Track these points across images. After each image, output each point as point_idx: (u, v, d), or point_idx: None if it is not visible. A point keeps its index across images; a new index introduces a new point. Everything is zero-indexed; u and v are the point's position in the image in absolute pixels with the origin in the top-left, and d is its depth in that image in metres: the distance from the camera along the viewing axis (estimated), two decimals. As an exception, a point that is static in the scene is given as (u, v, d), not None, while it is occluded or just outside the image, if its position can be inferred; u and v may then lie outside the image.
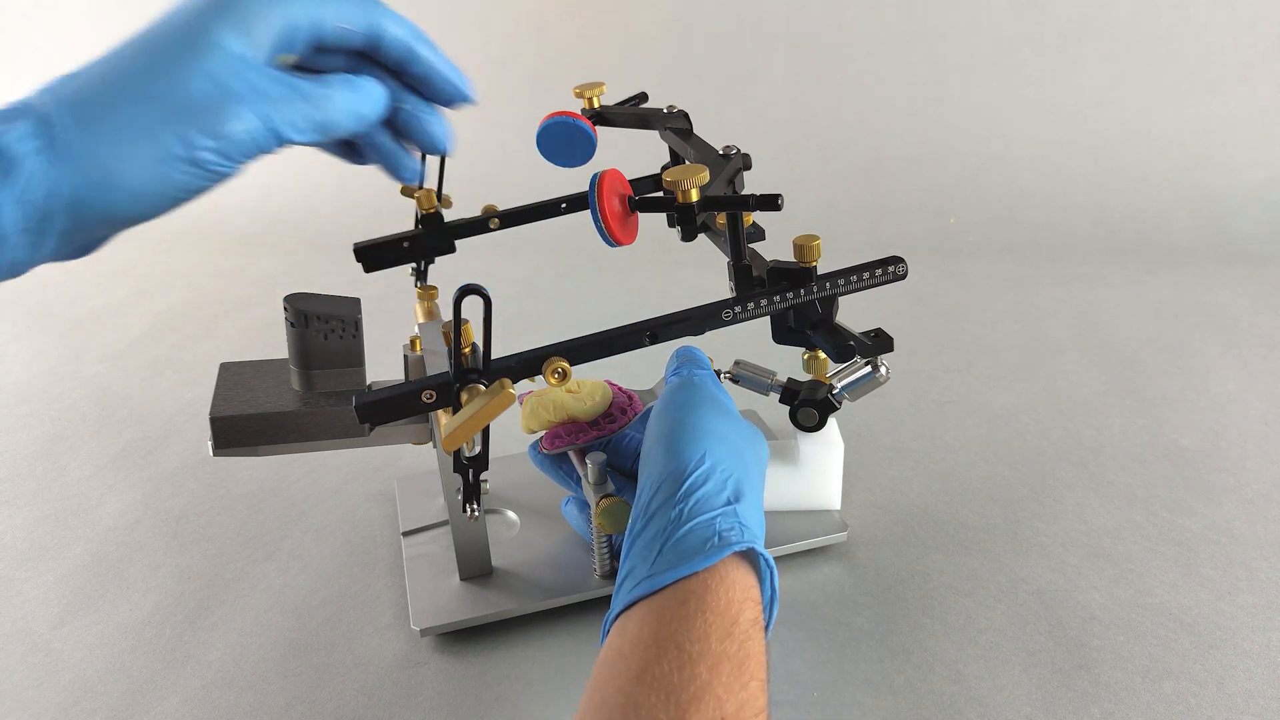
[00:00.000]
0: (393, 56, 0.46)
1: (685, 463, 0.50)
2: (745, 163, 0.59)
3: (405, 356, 0.60)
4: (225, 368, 0.60)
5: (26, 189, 0.35)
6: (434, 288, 0.70)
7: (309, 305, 0.56)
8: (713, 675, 0.39)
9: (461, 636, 0.61)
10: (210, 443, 0.55)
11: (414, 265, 0.71)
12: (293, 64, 0.43)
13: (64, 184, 0.36)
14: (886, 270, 0.55)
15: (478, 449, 0.53)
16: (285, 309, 0.56)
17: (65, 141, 0.36)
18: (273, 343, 1.04)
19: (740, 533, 0.46)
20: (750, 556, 0.47)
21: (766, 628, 0.46)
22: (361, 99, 0.44)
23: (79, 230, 0.37)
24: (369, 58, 0.46)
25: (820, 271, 0.53)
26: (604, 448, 0.63)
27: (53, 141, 0.36)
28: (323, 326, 0.56)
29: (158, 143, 0.38)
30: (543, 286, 1.19)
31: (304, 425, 0.56)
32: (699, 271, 1.17)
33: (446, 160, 0.70)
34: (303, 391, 0.57)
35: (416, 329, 0.67)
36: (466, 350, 0.50)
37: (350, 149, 0.49)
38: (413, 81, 0.48)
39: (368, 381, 0.59)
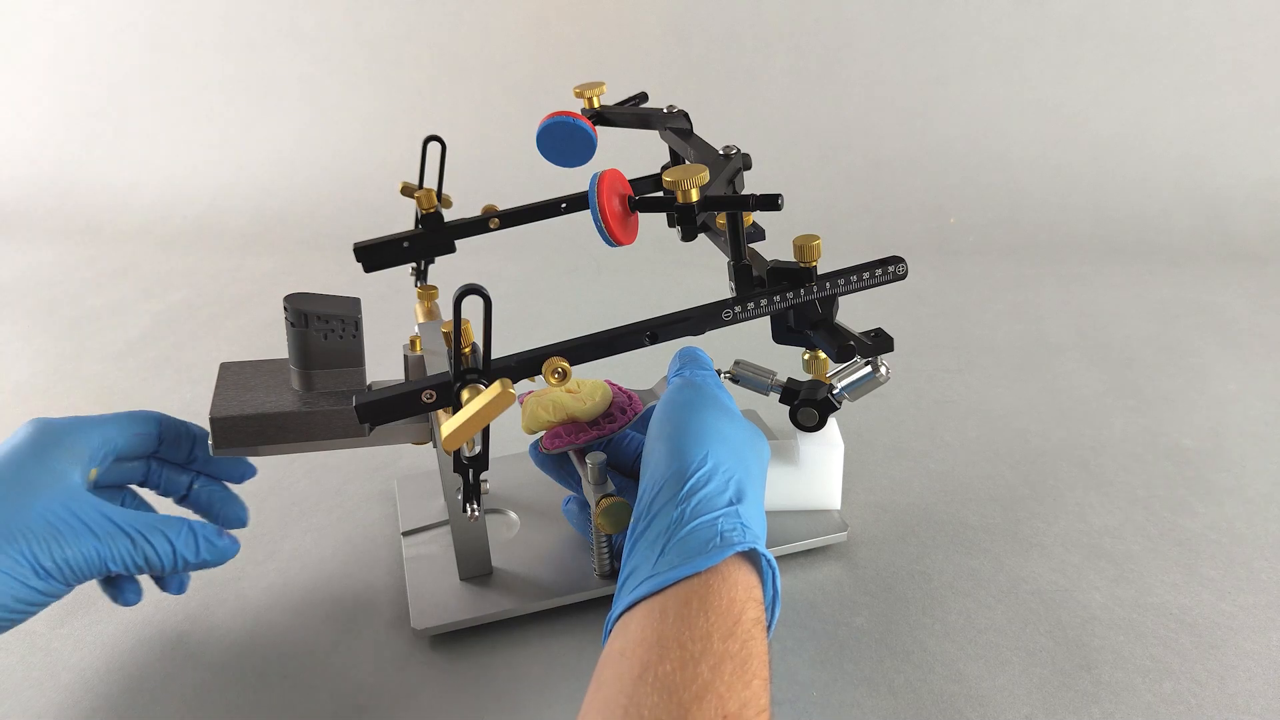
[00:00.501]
0: (179, 453, 0.58)
1: (688, 463, 0.50)
2: (745, 163, 0.59)
3: (405, 356, 0.60)
4: (225, 367, 0.60)
5: None
6: (434, 288, 0.70)
7: (309, 305, 0.56)
8: (715, 674, 0.40)
9: (461, 636, 0.61)
10: (210, 443, 0.55)
11: (414, 265, 0.71)
12: (93, 478, 0.52)
13: None
14: (886, 270, 0.55)
15: (478, 449, 0.53)
16: (285, 309, 0.56)
17: None
18: (273, 343, 1.04)
19: (742, 533, 0.46)
20: (752, 557, 0.47)
21: (769, 628, 0.46)
22: (184, 545, 0.52)
23: None
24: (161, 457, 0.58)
25: (820, 271, 0.53)
26: (604, 447, 0.63)
27: None
28: (323, 326, 0.56)
29: (7, 566, 0.45)
30: (543, 286, 1.19)
31: (303, 425, 0.56)
32: (699, 271, 1.17)
33: (447, 160, 0.70)
34: (303, 391, 0.57)
35: (416, 329, 0.67)
36: (466, 350, 0.50)
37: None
38: (201, 467, 0.60)
39: (368, 381, 0.59)
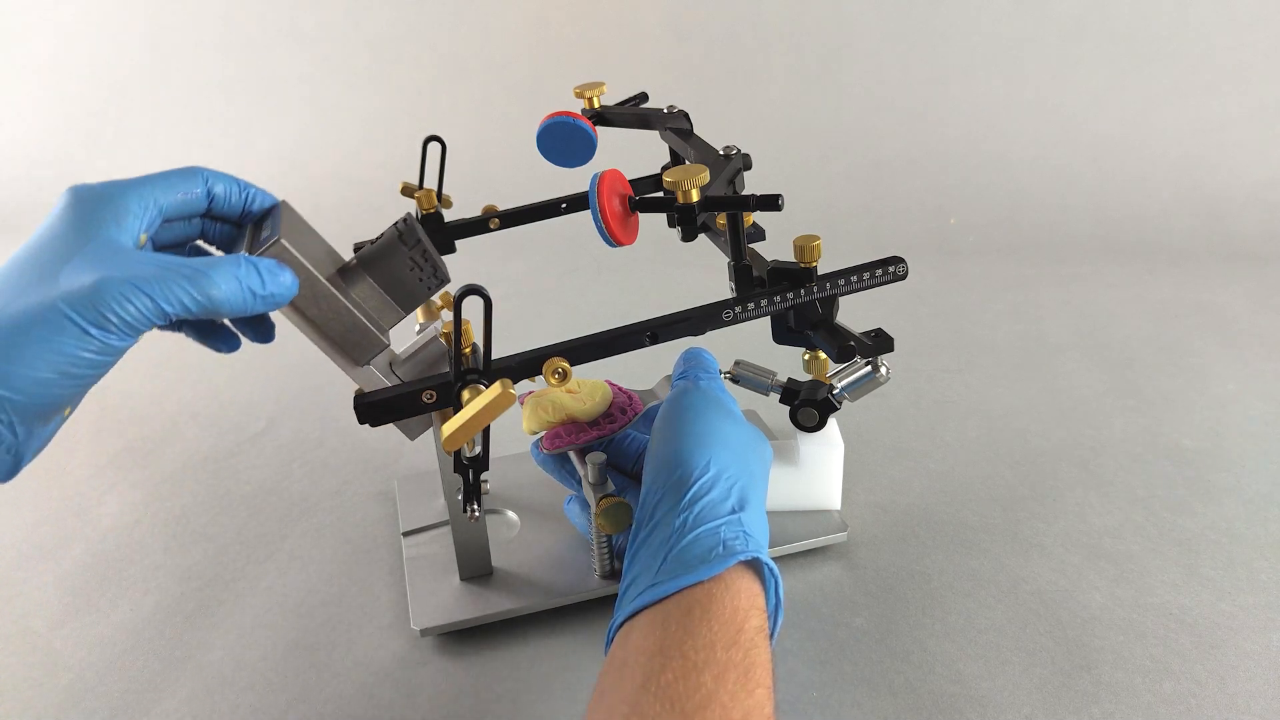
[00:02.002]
0: (230, 206, 0.52)
1: (690, 469, 0.49)
2: (745, 163, 0.59)
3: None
4: (288, 208, 0.54)
5: None
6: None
7: (422, 234, 0.52)
8: (718, 684, 0.39)
9: (461, 636, 0.61)
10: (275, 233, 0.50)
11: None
12: (143, 244, 0.48)
13: None
14: (886, 270, 0.55)
15: (478, 450, 0.53)
16: (399, 222, 0.53)
17: None
18: (273, 343, 1.04)
19: (745, 541, 0.46)
20: (755, 565, 0.47)
21: (771, 636, 0.46)
22: (252, 278, 0.47)
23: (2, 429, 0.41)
24: (215, 217, 0.52)
25: (820, 271, 0.53)
26: (604, 448, 0.63)
27: None
28: (418, 258, 0.52)
29: (58, 329, 0.42)
30: (543, 286, 1.19)
31: (328, 302, 0.51)
32: (699, 271, 1.17)
33: (447, 160, 0.70)
34: (341, 281, 0.52)
35: (416, 328, 0.67)
36: (467, 350, 0.50)
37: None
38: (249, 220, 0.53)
39: (388, 346, 0.54)
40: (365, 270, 0.52)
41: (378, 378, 0.52)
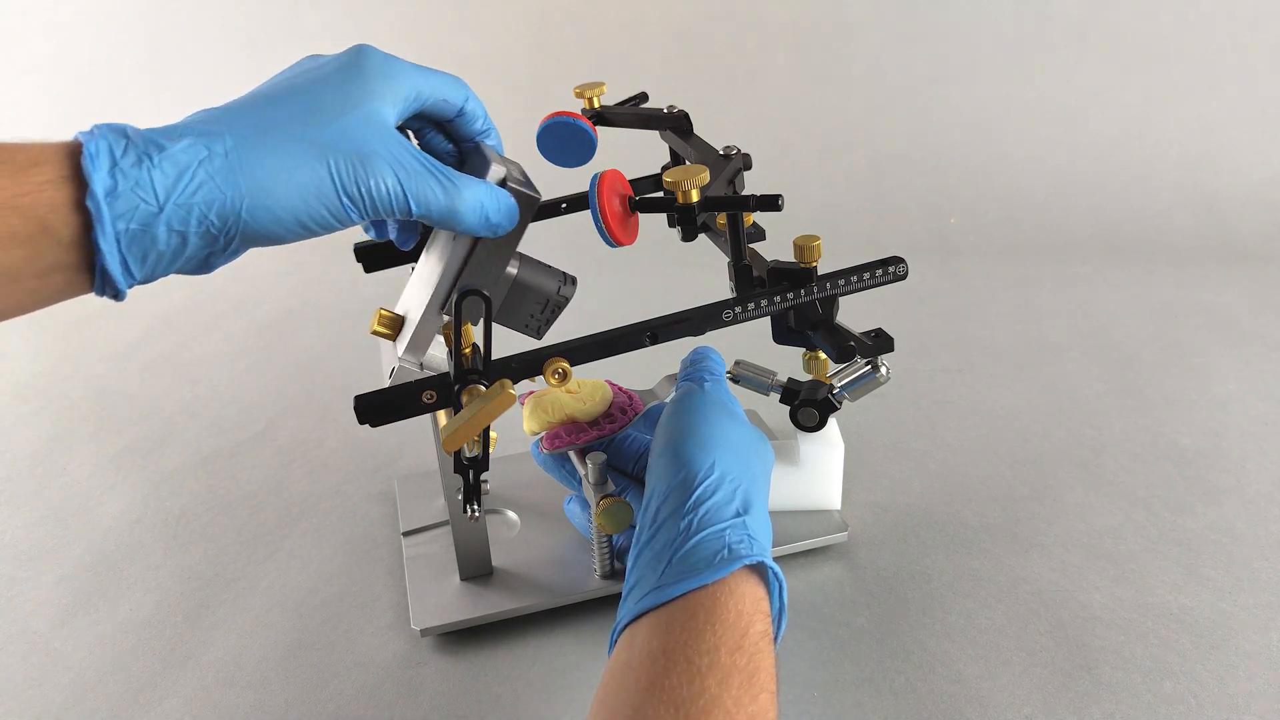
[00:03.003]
0: (468, 129, 0.51)
1: (694, 472, 0.49)
2: (745, 163, 0.59)
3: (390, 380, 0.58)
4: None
5: (185, 192, 0.38)
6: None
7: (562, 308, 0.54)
8: (722, 688, 0.39)
9: (461, 636, 0.61)
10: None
11: (414, 265, 0.71)
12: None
13: (219, 194, 0.39)
14: (887, 270, 0.55)
15: (478, 450, 0.53)
16: (568, 281, 0.54)
17: (229, 158, 0.40)
18: (273, 342, 1.04)
19: (749, 545, 0.46)
20: (759, 569, 0.47)
21: (775, 639, 0.46)
22: (492, 202, 0.47)
23: (218, 239, 0.41)
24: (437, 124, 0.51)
25: (821, 272, 0.53)
26: (605, 448, 0.63)
27: (212, 155, 0.39)
28: (545, 314, 0.53)
29: (313, 178, 0.41)
30: (543, 286, 1.18)
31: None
32: (699, 271, 1.17)
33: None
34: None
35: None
36: (467, 351, 0.49)
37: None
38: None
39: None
40: (516, 270, 0.53)
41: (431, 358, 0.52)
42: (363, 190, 0.42)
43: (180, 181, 0.38)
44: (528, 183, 0.50)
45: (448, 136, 0.51)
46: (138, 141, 0.38)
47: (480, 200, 0.46)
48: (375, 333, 0.54)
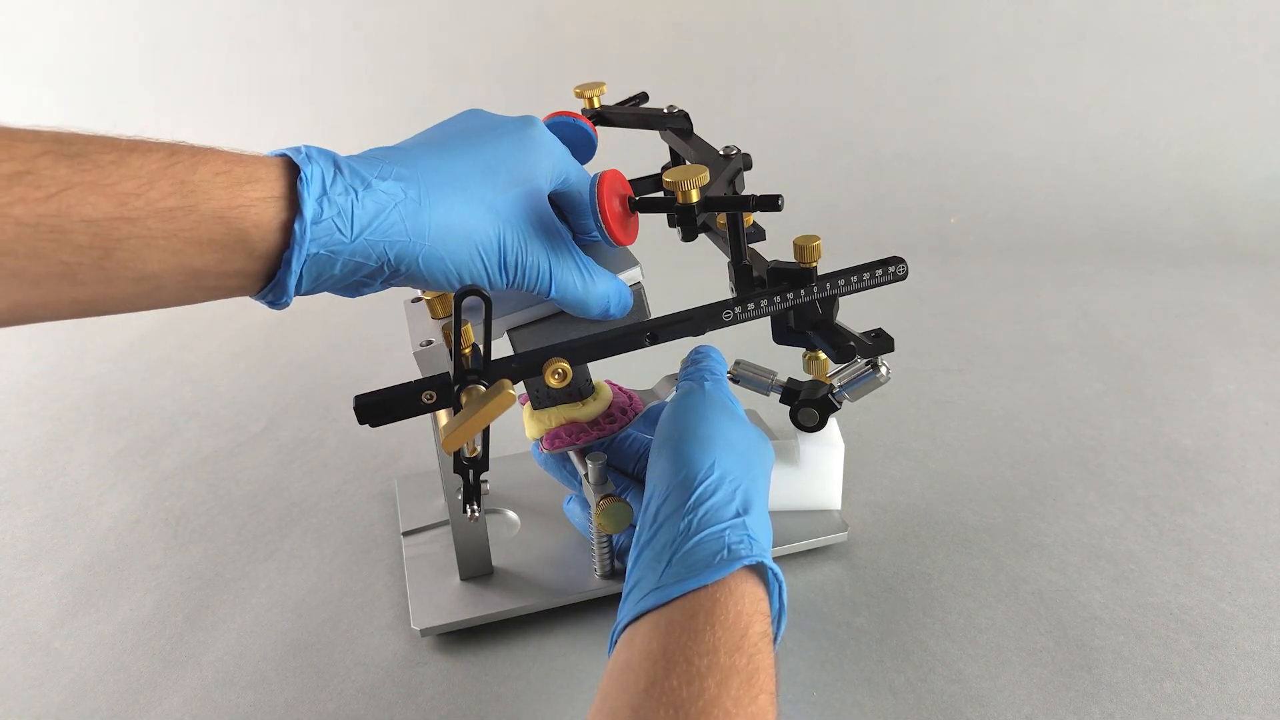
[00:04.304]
0: (582, 222, 0.53)
1: (694, 472, 0.49)
2: (745, 163, 0.59)
3: (416, 355, 0.59)
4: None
5: (378, 230, 0.41)
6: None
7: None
8: (721, 689, 0.39)
9: (461, 636, 0.61)
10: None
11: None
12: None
13: (405, 236, 0.42)
14: (887, 270, 0.55)
15: (478, 450, 0.53)
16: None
17: (420, 204, 0.43)
18: (272, 341, 1.04)
19: (749, 546, 0.46)
20: (759, 569, 0.47)
21: (775, 640, 0.46)
22: (616, 298, 0.51)
23: (385, 274, 0.43)
24: None
25: (821, 272, 0.53)
26: (605, 448, 0.63)
27: (407, 199, 0.42)
28: (553, 396, 0.59)
29: (485, 240, 0.44)
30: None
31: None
32: (699, 271, 1.17)
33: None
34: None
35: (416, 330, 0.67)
36: (467, 351, 0.49)
37: None
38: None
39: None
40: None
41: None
42: (520, 264, 0.45)
43: (376, 219, 0.41)
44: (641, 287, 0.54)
45: (560, 214, 0.54)
46: (345, 172, 0.41)
47: (609, 294, 0.49)
48: (422, 299, 0.56)
